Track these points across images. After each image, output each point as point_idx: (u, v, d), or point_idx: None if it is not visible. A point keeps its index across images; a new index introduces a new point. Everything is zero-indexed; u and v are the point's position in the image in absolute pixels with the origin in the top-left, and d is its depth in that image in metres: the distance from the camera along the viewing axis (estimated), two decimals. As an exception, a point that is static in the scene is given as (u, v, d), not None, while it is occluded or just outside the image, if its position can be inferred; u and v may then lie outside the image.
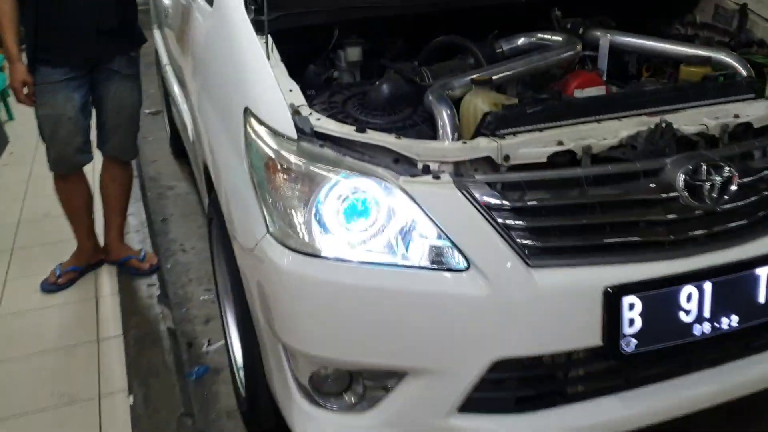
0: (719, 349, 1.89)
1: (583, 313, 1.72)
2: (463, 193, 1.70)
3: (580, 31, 2.45)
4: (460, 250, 1.70)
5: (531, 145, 1.79)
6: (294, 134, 1.79)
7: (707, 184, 1.75)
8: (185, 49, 2.97)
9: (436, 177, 1.73)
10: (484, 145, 1.77)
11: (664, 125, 1.84)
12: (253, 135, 1.89)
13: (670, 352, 1.79)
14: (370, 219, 1.73)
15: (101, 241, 3.36)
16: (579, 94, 2.15)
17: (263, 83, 1.97)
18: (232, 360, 2.49)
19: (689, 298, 1.74)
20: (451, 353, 1.71)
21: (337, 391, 1.86)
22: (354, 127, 1.82)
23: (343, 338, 1.76)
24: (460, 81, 2.04)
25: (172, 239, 3.88)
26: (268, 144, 1.83)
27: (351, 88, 2.16)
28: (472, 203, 1.70)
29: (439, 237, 1.71)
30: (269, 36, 2.04)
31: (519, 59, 2.15)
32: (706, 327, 1.77)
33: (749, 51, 2.40)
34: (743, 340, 1.89)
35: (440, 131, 1.89)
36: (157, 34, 4.57)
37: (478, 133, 1.85)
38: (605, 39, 2.35)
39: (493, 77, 2.04)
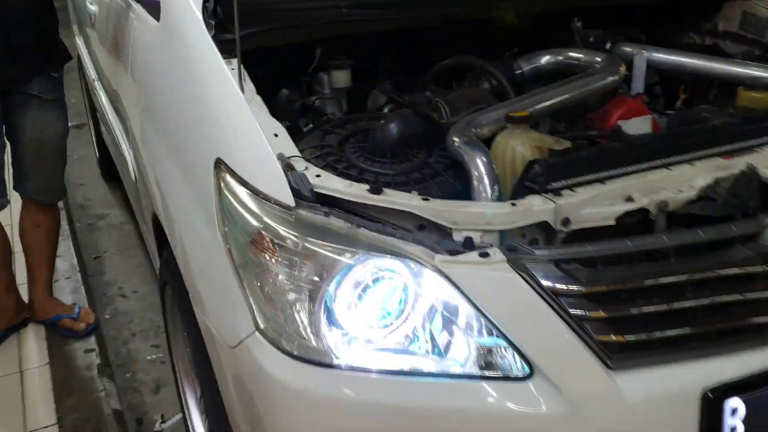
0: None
1: (676, 424, 1.33)
2: (522, 276, 1.28)
3: (608, 45, 2.06)
4: (519, 351, 1.28)
5: (595, 204, 1.40)
6: (290, 199, 1.34)
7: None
8: (120, 65, 2.44)
9: (484, 254, 1.30)
10: (540, 207, 1.36)
11: (748, 170, 1.48)
12: (230, 198, 1.43)
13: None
14: (398, 314, 1.30)
15: (25, 296, 2.80)
16: (624, 127, 1.76)
17: (239, 126, 1.51)
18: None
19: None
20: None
21: None
22: (366, 186, 1.38)
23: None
24: (488, 117, 1.62)
25: (109, 282, 3.34)
26: (253, 212, 1.37)
27: (346, 124, 1.71)
28: (535, 288, 1.28)
29: (491, 334, 1.29)
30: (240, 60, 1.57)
31: (557, 87, 1.74)
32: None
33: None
34: None
35: (476, 186, 1.47)
36: (77, 34, 3.99)
37: (520, 187, 1.44)
38: (641, 57, 1.97)
39: (531, 111, 1.63)
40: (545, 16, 2.09)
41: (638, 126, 1.79)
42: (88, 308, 2.87)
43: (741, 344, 1.37)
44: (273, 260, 1.32)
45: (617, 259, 1.35)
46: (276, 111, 1.63)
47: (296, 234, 1.32)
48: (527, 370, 1.28)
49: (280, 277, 1.32)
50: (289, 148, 1.46)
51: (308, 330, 1.30)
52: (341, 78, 1.89)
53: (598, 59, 1.86)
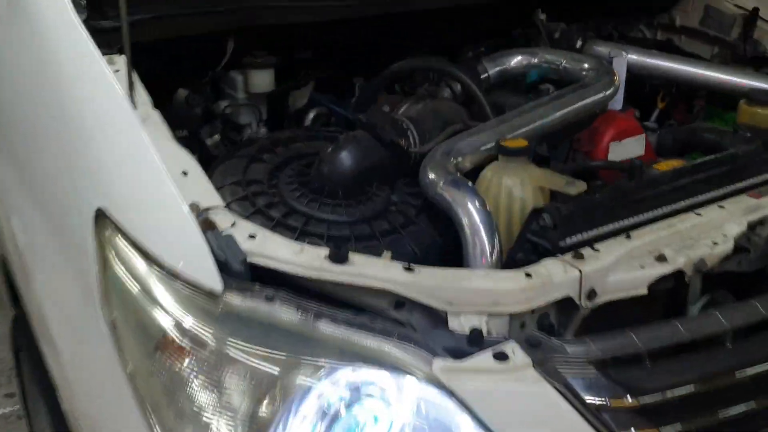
0: None
1: None
2: (557, 390, 0.91)
3: (578, 43, 1.72)
4: None
5: (624, 267, 1.05)
6: (214, 279, 0.90)
7: None
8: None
9: (501, 355, 0.91)
10: (560, 278, 0.99)
11: None
12: (121, 272, 0.96)
13: None
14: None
15: None
16: (617, 149, 1.43)
17: (130, 160, 1.04)
18: None
19: None
20: None
21: None
22: (324, 251, 0.95)
23: None
24: (470, 143, 1.22)
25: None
26: (158, 302, 0.91)
27: (275, 147, 1.27)
28: (573, 404, 0.91)
29: None
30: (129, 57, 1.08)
31: (548, 103, 1.36)
32: None
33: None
34: None
35: (469, 243, 1.07)
36: None
37: (523, 241, 1.07)
38: (620, 60, 1.64)
39: (520, 134, 1.25)
40: (502, 5, 1.71)
41: (632, 148, 1.47)
42: None
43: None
44: (195, 380, 0.87)
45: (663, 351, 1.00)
46: (170, 116, 1.16)
47: (224, 336, 0.88)
48: None
49: (200, 400, 0.88)
50: (206, 193, 1.01)
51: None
52: (261, 79, 1.45)
53: (586, 65, 1.50)
